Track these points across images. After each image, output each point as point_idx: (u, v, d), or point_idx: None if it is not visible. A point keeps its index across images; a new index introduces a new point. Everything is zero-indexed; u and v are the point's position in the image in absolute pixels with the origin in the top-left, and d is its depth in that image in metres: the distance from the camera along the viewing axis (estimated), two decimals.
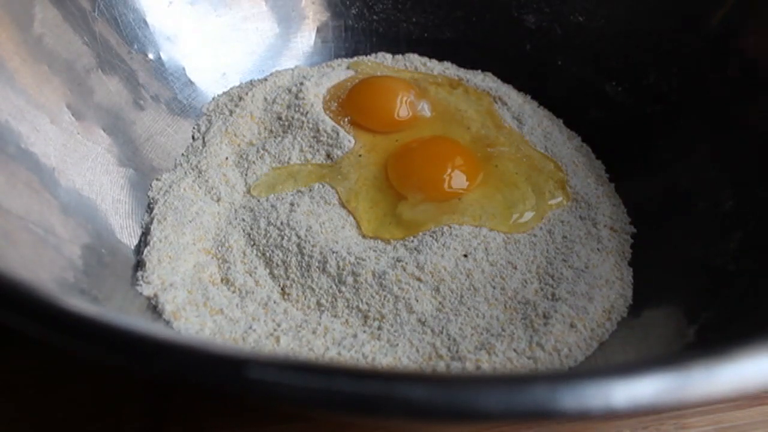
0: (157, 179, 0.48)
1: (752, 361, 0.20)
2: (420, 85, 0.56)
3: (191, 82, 0.53)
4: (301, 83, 0.54)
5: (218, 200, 0.47)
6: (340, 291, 0.42)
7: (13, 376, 0.39)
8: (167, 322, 0.38)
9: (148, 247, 0.42)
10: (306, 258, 0.43)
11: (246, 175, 0.50)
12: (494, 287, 0.42)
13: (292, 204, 0.47)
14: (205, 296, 0.41)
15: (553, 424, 0.37)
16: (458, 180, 0.48)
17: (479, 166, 0.49)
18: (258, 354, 0.19)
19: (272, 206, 0.47)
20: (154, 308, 0.39)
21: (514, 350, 0.38)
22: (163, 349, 0.19)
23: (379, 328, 0.40)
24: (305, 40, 0.58)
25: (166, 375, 0.19)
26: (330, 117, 0.53)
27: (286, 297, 0.42)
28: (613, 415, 0.20)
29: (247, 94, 0.53)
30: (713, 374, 0.19)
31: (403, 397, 0.17)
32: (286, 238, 0.44)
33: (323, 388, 0.17)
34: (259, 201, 0.48)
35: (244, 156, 0.51)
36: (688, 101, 0.48)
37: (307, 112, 0.52)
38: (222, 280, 0.43)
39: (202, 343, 0.21)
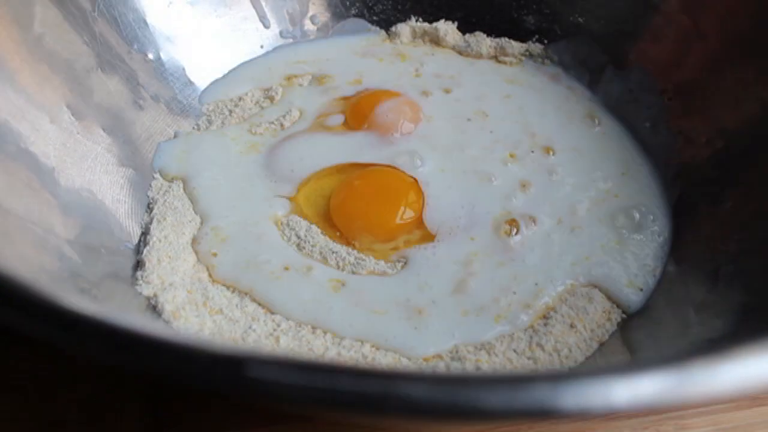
0: (157, 179, 0.47)
1: (753, 361, 0.20)
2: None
3: (191, 82, 0.53)
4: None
5: None
6: None
7: (13, 376, 0.39)
8: (167, 322, 0.38)
9: (147, 247, 0.42)
10: (306, 257, 0.43)
11: None
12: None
13: None
14: (205, 296, 0.40)
15: (554, 424, 0.37)
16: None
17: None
18: (258, 352, 0.19)
19: None
20: (153, 308, 0.39)
21: (514, 350, 0.38)
22: (162, 348, 0.19)
23: None
24: None
25: (166, 374, 0.19)
26: None
27: None
28: (614, 414, 0.20)
29: (246, 94, 0.53)
30: (714, 373, 0.19)
31: (405, 395, 0.17)
32: (285, 237, 0.44)
33: (325, 387, 0.17)
34: None
35: None
36: (687, 99, 0.48)
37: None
38: None
39: (202, 342, 0.20)
